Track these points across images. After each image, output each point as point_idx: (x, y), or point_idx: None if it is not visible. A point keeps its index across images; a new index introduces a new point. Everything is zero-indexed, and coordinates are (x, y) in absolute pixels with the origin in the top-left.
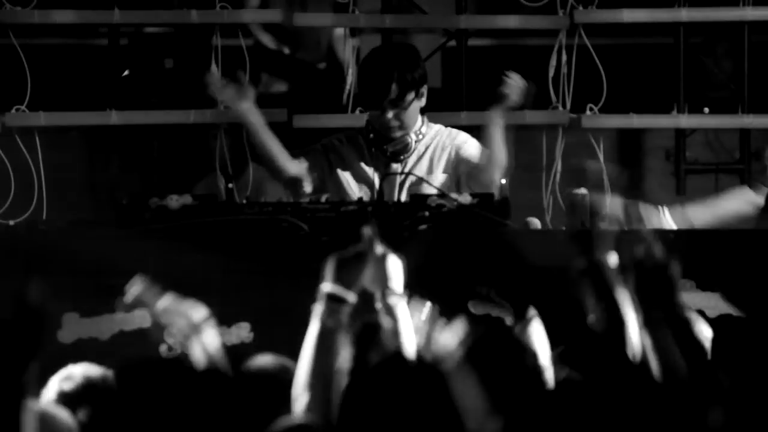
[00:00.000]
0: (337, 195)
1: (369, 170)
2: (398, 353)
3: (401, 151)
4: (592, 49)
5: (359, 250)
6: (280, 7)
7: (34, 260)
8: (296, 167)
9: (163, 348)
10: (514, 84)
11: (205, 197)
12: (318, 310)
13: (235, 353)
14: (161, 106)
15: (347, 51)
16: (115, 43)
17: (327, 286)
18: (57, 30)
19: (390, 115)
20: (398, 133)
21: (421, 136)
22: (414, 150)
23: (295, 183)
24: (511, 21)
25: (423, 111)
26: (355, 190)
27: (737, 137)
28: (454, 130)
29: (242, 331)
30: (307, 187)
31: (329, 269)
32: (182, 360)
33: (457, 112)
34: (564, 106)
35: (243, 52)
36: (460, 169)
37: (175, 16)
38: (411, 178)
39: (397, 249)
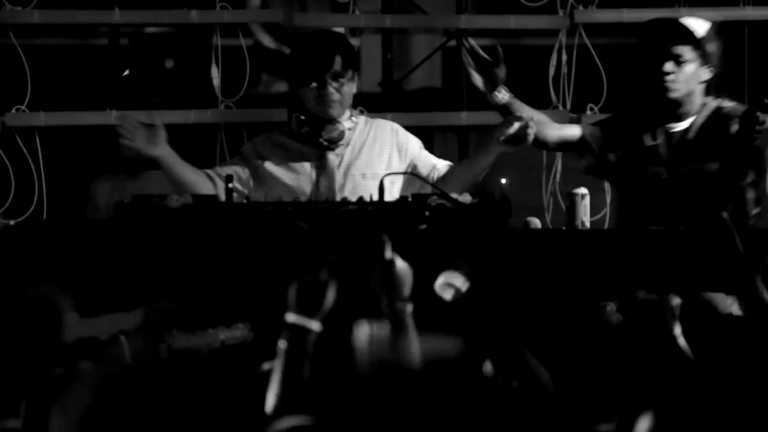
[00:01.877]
0: (268, 191)
1: (301, 162)
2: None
3: (336, 139)
4: (592, 49)
5: (320, 277)
6: (280, 7)
7: (34, 260)
8: (210, 188)
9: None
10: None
11: (205, 197)
12: (282, 343)
13: (235, 353)
14: (161, 106)
15: None
16: (115, 43)
17: (290, 317)
18: (57, 30)
19: (332, 88)
20: (336, 110)
21: (352, 125)
22: (350, 141)
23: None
24: (511, 21)
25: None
26: (287, 182)
27: None
28: (390, 124)
29: (242, 332)
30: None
31: (290, 298)
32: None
33: (457, 112)
34: (564, 106)
35: (243, 52)
36: (418, 170)
37: (175, 16)
38: (352, 172)
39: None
